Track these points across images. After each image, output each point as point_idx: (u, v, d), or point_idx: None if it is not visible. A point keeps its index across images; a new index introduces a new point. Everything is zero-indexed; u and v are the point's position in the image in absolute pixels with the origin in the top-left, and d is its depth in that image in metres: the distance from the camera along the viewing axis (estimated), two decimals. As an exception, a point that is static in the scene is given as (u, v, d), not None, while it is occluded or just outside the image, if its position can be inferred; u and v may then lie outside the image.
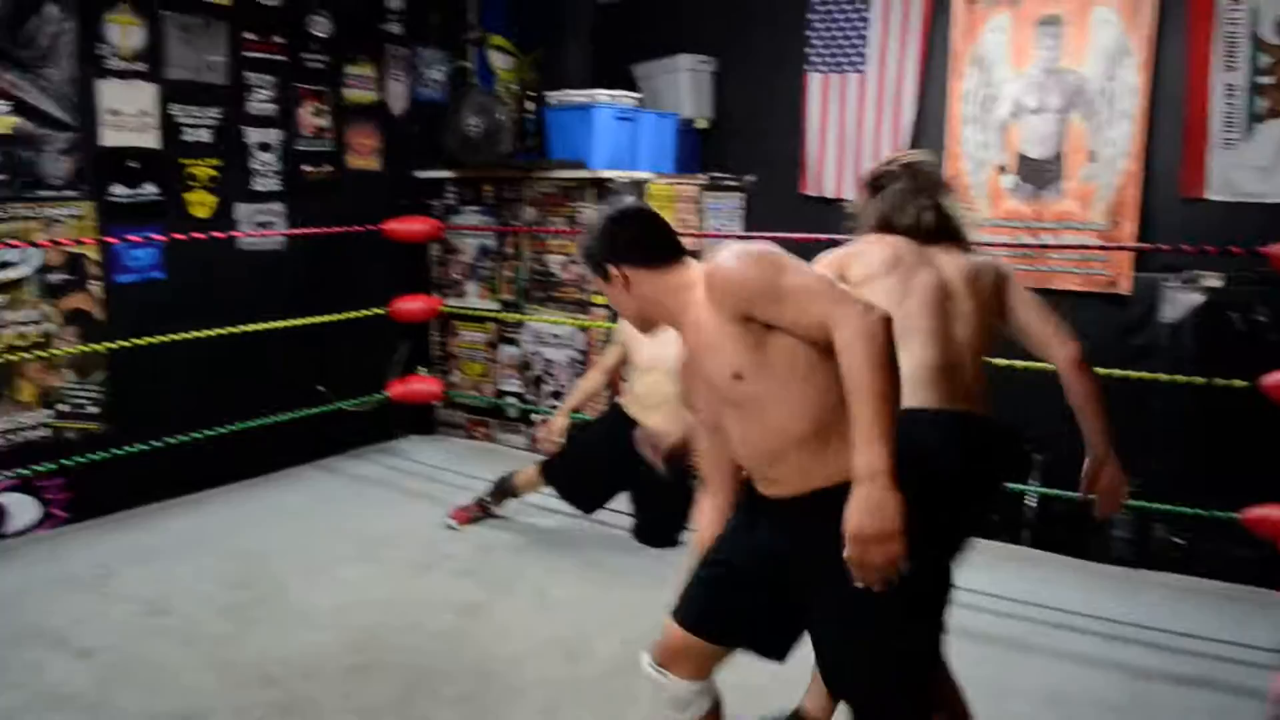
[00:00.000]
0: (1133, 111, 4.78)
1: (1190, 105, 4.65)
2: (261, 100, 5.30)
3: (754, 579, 2.09)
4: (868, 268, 2.48)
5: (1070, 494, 4.24)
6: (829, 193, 5.65)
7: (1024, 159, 5.10)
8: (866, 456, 1.76)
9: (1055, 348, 2.51)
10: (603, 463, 4.39)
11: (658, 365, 4.16)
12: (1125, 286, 4.85)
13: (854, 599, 1.84)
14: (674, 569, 2.20)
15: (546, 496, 4.69)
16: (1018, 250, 5.05)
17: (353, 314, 5.60)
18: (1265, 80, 4.48)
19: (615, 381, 4.67)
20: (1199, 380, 4.05)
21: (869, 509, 1.76)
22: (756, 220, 6.03)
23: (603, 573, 4.22)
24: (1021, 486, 4.51)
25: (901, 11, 5.38)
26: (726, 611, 2.15)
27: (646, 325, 2.17)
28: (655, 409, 4.21)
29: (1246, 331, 4.27)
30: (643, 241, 2.12)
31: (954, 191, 2.70)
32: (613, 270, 2.10)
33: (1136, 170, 4.80)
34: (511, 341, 6.05)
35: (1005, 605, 3.97)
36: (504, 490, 4.68)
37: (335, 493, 5.20)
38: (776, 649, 2.17)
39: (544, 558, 4.37)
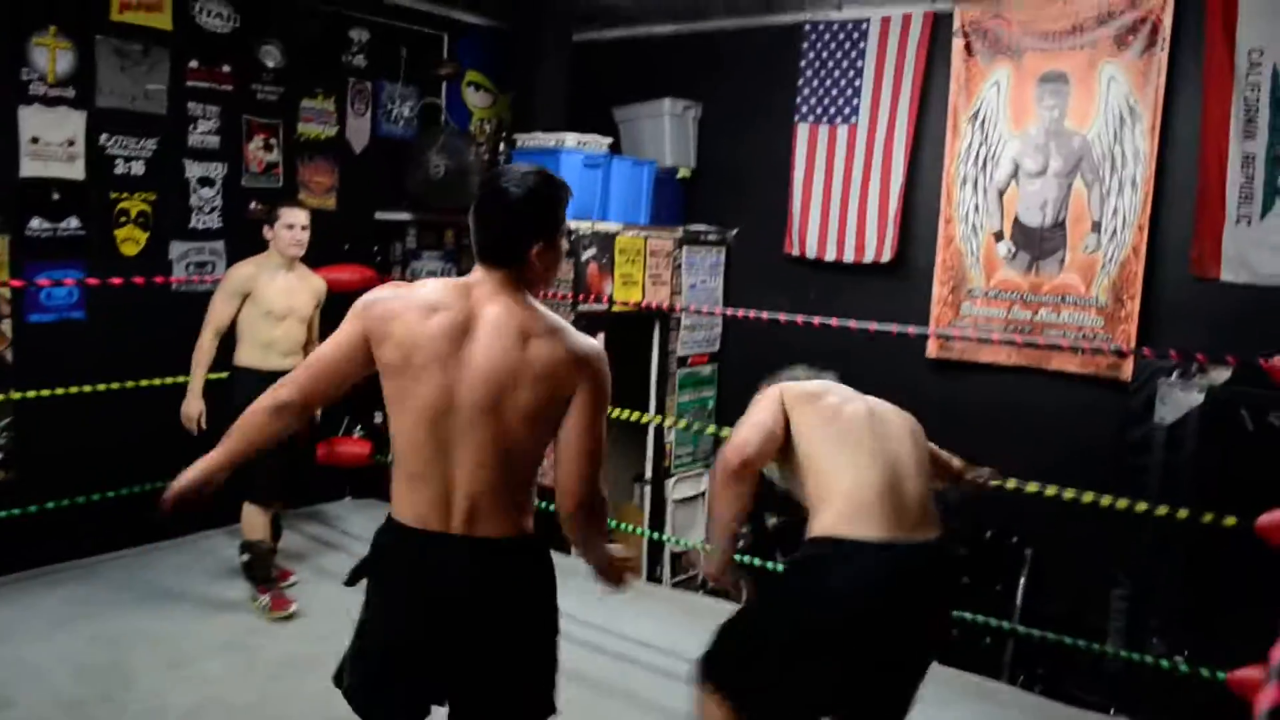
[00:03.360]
0: (1140, 179, 4.31)
1: (1204, 176, 4.17)
2: (205, 132, 4.97)
3: (420, 664, 2.02)
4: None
5: (1048, 635, 3.76)
6: (811, 253, 5.20)
7: (1021, 225, 4.64)
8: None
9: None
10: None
11: (293, 312, 4.26)
12: (1128, 372, 4.35)
13: (534, 650, 2.06)
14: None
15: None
16: (1011, 325, 4.60)
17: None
18: (1288, 151, 4.00)
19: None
20: (1181, 514, 3.37)
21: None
22: (736, 278, 5.61)
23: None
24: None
25: (896, 61, 4.96)
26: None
27: (538, 289, 2.08)
28: (289, 355, 4.25)
29: (1256, 434, 3.73)
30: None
31: None
32: (559, 237, 2.05)
33: (1142, 244, 4.33)
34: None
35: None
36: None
37: (236, 564, 4.50)
38: None
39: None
